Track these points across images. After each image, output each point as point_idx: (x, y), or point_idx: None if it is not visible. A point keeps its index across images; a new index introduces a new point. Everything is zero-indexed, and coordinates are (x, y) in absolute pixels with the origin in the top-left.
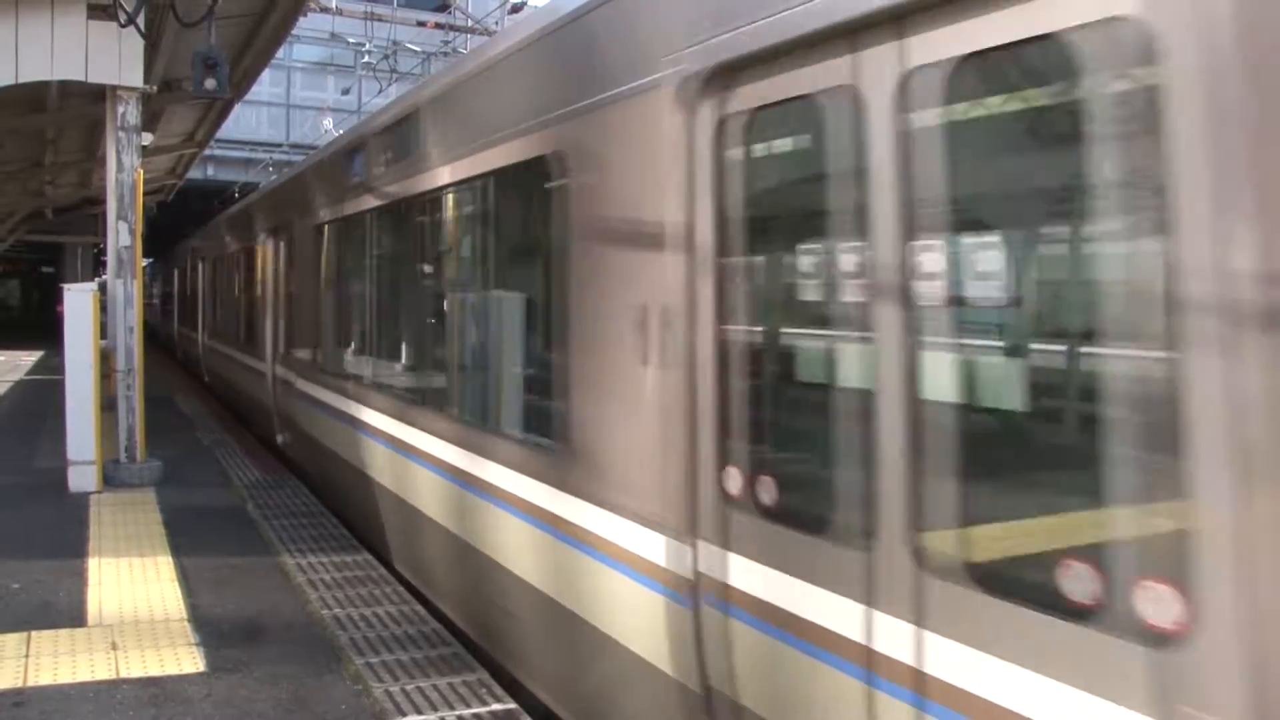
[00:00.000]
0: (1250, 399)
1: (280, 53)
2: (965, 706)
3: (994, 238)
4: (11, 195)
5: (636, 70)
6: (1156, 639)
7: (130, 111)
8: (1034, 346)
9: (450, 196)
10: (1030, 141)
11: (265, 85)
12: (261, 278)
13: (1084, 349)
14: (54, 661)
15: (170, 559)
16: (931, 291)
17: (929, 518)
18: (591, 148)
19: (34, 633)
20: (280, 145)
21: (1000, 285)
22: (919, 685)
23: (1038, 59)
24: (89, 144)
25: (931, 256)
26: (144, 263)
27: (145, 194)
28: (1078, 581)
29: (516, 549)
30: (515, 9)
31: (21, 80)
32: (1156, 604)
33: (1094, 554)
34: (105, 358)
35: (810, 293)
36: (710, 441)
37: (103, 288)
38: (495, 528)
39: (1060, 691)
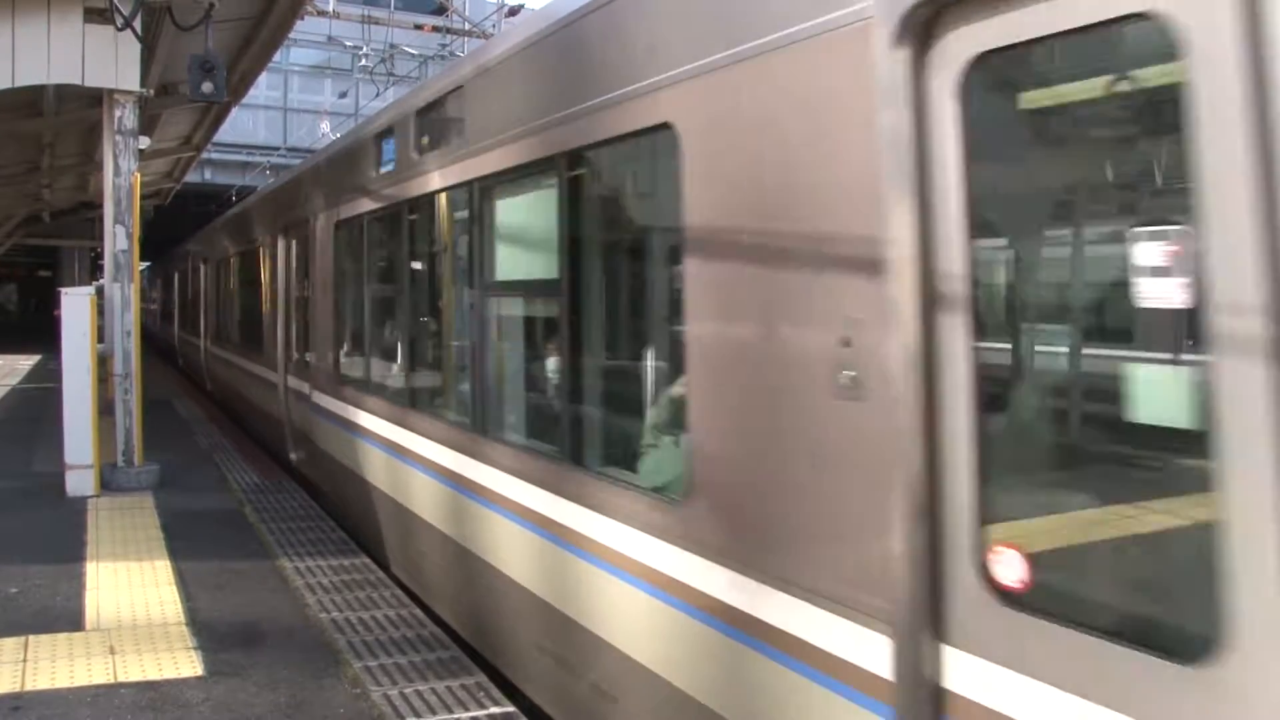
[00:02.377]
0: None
1: (277, 56)
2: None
3: None
4: (8, 199)
5: None
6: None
7: (127, 115)
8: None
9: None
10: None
11: (262, 89)
12: (271, 278)
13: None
14: (52, 666)
15: (168, 563)
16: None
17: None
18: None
19: (32, 637)
20: (278, 149)
21: None
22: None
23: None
24: (86, 148)
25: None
26: (141, 266)
27: (142, 198)
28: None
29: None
30: (512, 12)
31: (18, 84)
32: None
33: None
34: (103, 361)
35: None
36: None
37: (100, 291)
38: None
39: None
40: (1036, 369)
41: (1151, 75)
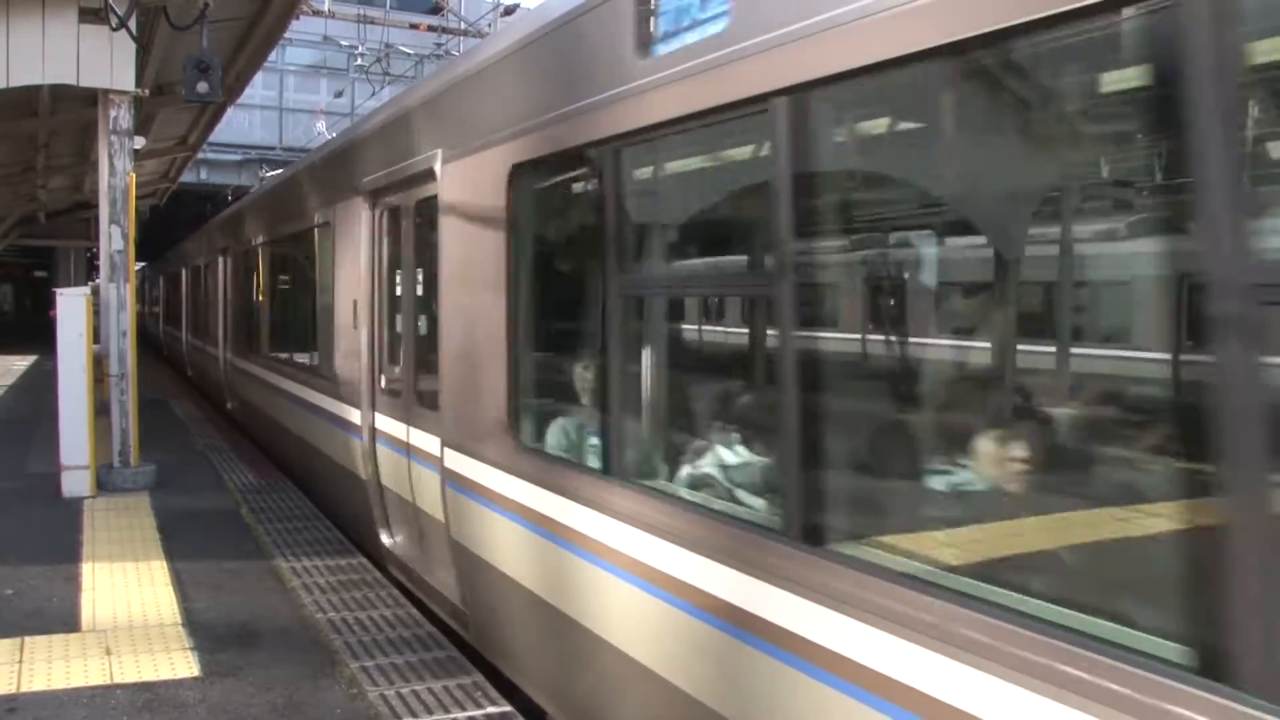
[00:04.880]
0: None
1: (273, 56)
2: (418, 452)
3: None
4: (3, 199)
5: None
6: (437, 409)
7: (122, 115)
8: None
9: None
10: None
11: (258, 88)
12: (346, 269)
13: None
14: (48, 667)
15: (164, 563)
16: None
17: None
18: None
19: (27, 638)
20: (273, 148)
21: None
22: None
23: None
24: (81, 148)
25: None
26: (139, 265)
27: (138, 198)
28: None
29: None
30: (508, 11)
31: (13, 84)
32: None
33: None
34: (99, 362)
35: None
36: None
37: (96, 292)
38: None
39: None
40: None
41: None
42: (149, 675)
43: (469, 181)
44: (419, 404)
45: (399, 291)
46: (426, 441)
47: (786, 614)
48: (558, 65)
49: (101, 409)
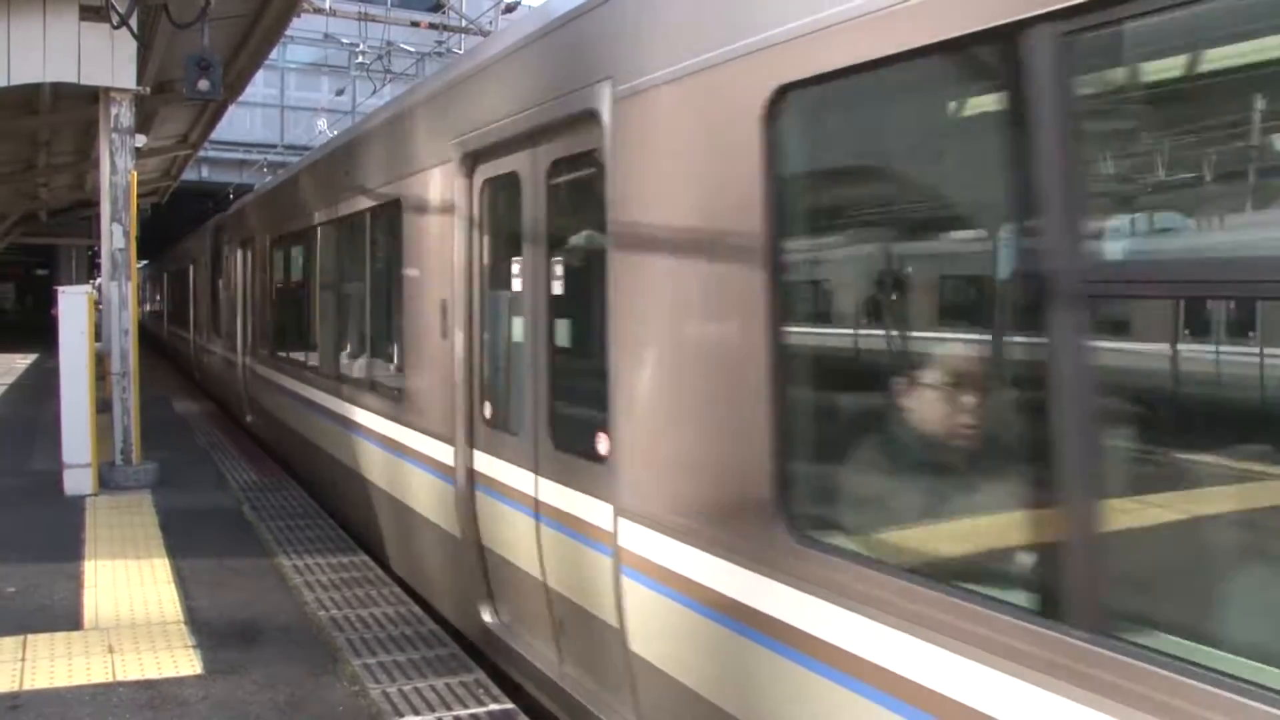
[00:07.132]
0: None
1: (274, 54)
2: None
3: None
4: (5, 197)
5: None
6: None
7: (124, 113)
8: None
9: None
10: None
11: (259, 86)
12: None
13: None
14: (50, 664)
15: (166, 561)
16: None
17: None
18: None
19: (30, 636)
20: (275, 146)
21: None
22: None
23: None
24: (83, 146)
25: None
26: (140, 264)
27: (139, 196)
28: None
29: None
30: (509, 9)
31: (14, 82)
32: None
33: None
34: (100, 360)
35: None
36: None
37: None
38: None
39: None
40: None
41: None
42: (151, 673)
43: (673, 118)
44: (558, 447)
45: (517, 286)
46: (580, 505)
47: None
48: None
49: (103, 407)
